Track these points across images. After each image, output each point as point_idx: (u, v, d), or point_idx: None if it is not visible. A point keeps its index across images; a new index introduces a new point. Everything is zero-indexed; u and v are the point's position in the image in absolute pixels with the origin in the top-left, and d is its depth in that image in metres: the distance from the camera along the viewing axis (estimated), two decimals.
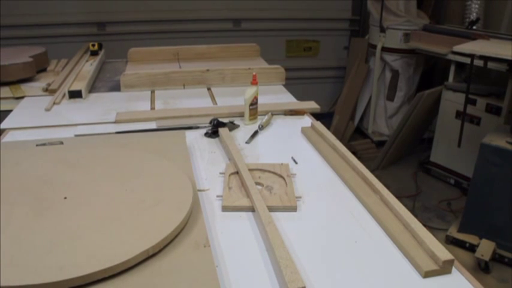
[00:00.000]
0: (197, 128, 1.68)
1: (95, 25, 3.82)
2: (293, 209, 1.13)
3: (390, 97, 4.02)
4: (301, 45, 4.41)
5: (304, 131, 1.65)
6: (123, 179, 1.13)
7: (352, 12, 4.38)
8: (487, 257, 2.37)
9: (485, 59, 2.49)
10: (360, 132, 4.32)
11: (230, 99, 2.02)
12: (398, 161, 3.79)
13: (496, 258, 2.46)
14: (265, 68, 2.33)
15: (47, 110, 1.87)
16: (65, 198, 1.03)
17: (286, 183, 1.24)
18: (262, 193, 1.17)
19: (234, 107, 1.84)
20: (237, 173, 1.29)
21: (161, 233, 0.90)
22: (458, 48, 2.54)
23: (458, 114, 3.21)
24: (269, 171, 1.31)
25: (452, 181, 3.39)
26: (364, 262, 0.94)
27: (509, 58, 2.32)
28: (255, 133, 1.64)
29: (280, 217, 1.10)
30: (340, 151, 1.41)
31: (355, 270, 0.92)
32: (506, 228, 2.42)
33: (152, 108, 1.94)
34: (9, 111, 1.88)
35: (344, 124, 4.08)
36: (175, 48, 2.69)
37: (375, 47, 3.92)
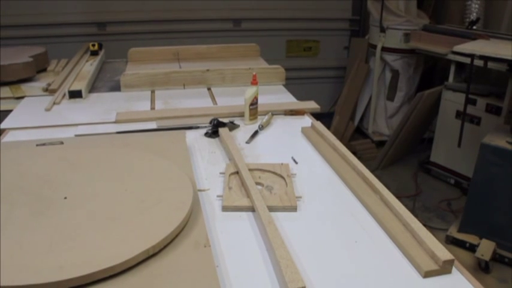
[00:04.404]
0: (197, 128, 1.68)
1: (95, 25, 3.82)
2: (293, 209, 1.13)
3: (390, 97, 4.02)
4: (301, 45, 4.41)
5: (304, 131, 1.65)
6: (123, 179, 1.13)
7: (352, 12, 4.38)
8: (487, 257, 2.37)
9: (485, 59, 2.49)
10: (360, 132, 4.32)
11: (230, 99, 2.02)
12: (399, 161, 3.79)
13: (496, 258, 2.46)
14: (265, 68, 2.33)
15: (47, 110, 1.87)
16: (65, 198, 1.03)
17: (286, 183, 1.24)
18: (262, 193, 1.17)
19: (234, 107, 1.84)
20: (237, 173, 1.29)
21: (161, 233, 0.90)
22: (458, 48, 2.54)
23: (459, 114, 3.21)
24: (269, 171, 1.31)
25: (452, 181, 3.39)
26: (364, 262, 0.94)
27: (509, 58, 2.32)
28: (255, 133, 1.64)
29: (280, 217, 1.10)
30: (340, 151, 1.41)
31: (355, 270, 0.92)
32: (507, 228, 2.42)
33: (152, 108, 1.94)
34: (9, 111, 1.88)
35: (344, 124, 4.07)
36: (175, 48, 2.69)
37: (375, 47, 3.92)
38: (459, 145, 2.79)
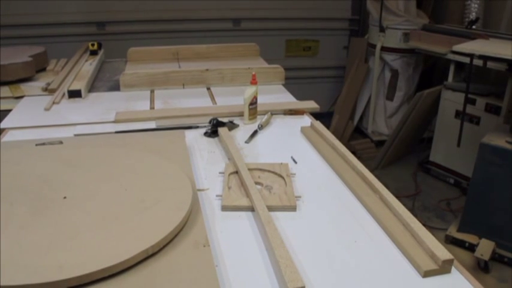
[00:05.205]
0: (197, 127, 1.68)
1: (95, 25, 3.82)
2: (292, 208, 1.13)
3: (390, 97, 4.02)
4: (301, 44, 4.41)
5: (303, 130, 1.65)
6: (122, 178, 1.13)
7: (352, 11, 4.38)
8: (486, 256, 2.37)
9: (485, 58, 2.49)
10: (359, 131, 4.33)
11: (229, 98, 2.02)
12: (398, 160, 3.79)
13: (496, 257, 2.46)
14: (264, 67, 2.33)
15: (47, 109, 1.87)
16: (65, 197, 1.03)
17: (285, 182, 1.24)
18: (261, 193, 1.17)
19: (233, 107, 1.84)
20: (236, 172, 1.29)
21: (161, 232, 0.90)
22: (458, 47, 2.54)
23: (458, 114, 3.21)
24: (269, 171, 1.31)
25: (451, 181, 3.39)
26: (364, 262, 0.94)
27: (509, 58, 2.32)
28: (255, 133, 1.64)
29: (279, 217, 1.10)
30: (340, 151, 1.41)
31: (354, 269, 0.92)
32: (506, 228, 2.42)
33: (152, 107, 1.94)
34: (9, 110, 1.87)
35: (343, 124, 4.08)
36: (174, 48, 2.69)
37: (374, 46, 3.92)
38: (458, 145, 2.80)
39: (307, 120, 1.80)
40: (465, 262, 2.49)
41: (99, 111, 1.85)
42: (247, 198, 1.15)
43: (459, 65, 3.28)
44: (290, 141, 1.60)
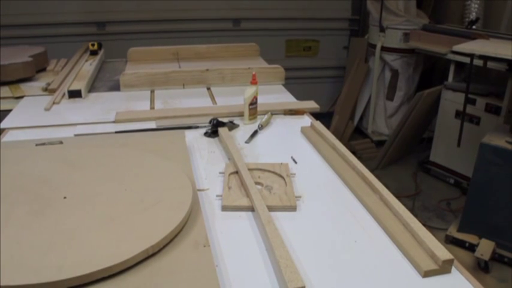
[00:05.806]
0: (197, 127, 1.68)
1: (95, 25, 3.82)
2: (293, 208, 1.13)
3: (390, 97, 4.02)
4: (301, 45, 4.41)
5: (303, 130, 1.65)
6: (122, 178, 1.13)
7: (352, 11, 4.38)
8: (486, 256, 2.37)
9: (485, 58, 2.49)
10: (359, 131, 4.33)
11: (230, 98, 2.02)
12: (398, 160, 3.79)
13: (496, 257, 2.46)
14: (264, 67, 2.33)
15: (47, 109, 1.87)
16: (65, 197, 1.03)
17: (285, 182, 1.24)
18: (261, 193, 1.17)
19: (233, 107, 1.84)
20: (236, 172, 1.29)
21: (161, 232, 0.90)
22: (458, 47, 2.54)
23: (458, 114, 3.21)
24: (269, 171, 1.31)
25: (452, 181, 3.39)
26: (364, 262, 0.94)
27: (509, 58, 2.32)
28: (255, 133, 1.64)
29: (279, 217, 1.10)
30: (340, 151, 1.41)
31: (354, 269, 0.92)
32: (506, 228, 2.42)
33: (152, 107, 1.94)
34: (9, 110, 1.87)
35: (344, 124, 4.07)
36: (174, 48, 2.69)
37: (374, 46, 3.92)
38: (459, 145, 2.80)
39: (307, 120, 1.80)
40: (465, 262, 2.49)
41: (99, 111, 1.85)
42: (248, 198, 1.15)
43: (459, 65, 3.28)
44: (290, 141, 1.60)
